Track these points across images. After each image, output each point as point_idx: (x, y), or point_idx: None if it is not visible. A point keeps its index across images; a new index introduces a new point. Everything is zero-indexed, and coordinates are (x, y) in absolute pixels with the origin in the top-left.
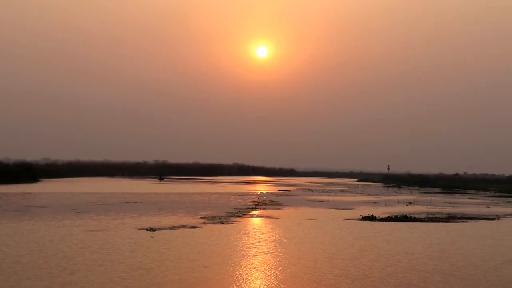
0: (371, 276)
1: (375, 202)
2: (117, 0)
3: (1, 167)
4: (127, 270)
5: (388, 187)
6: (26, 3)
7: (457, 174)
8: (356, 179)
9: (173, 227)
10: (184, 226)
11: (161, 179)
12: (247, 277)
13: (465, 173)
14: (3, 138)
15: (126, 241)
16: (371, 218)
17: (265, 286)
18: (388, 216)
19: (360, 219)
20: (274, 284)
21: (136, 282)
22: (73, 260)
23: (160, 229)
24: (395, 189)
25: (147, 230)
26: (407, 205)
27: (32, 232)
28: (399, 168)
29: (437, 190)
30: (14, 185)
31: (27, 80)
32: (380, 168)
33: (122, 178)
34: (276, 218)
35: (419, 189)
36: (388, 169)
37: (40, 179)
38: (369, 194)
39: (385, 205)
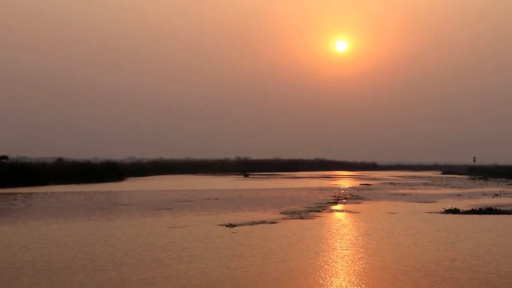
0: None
1: (459, 195)
2: (198, 1)
3: (89, 166)
4: (218, 266)
5: (473, 179)
6: (107, 8)
7: None
8: (440, 172)
9: (253, 223)
10: (263, 222)
11: (245, 175)
12: (335, 271)
13: None
14: (93, 140)
15: (210, 237)
16: (455, 211)
17: (355, 280)
18: (472, 209)
19: (442, 212)
20: (365, 278)
21: (229, 273)
22: (168, 254)
23: (240, 224)
24: (481, 181)
25: (227, 226)
26: (493, 197)
27: (122, 229)
28: (486, 159)
29: None
30: (101, 183)
31: (113, 84)
32: (465, 160)
33: (205, 175)
34: (357, 212)
35: (506, 181)
36: (474, 160)
37: (125, 178)
38: (453, 187)
39: (470, 197)
